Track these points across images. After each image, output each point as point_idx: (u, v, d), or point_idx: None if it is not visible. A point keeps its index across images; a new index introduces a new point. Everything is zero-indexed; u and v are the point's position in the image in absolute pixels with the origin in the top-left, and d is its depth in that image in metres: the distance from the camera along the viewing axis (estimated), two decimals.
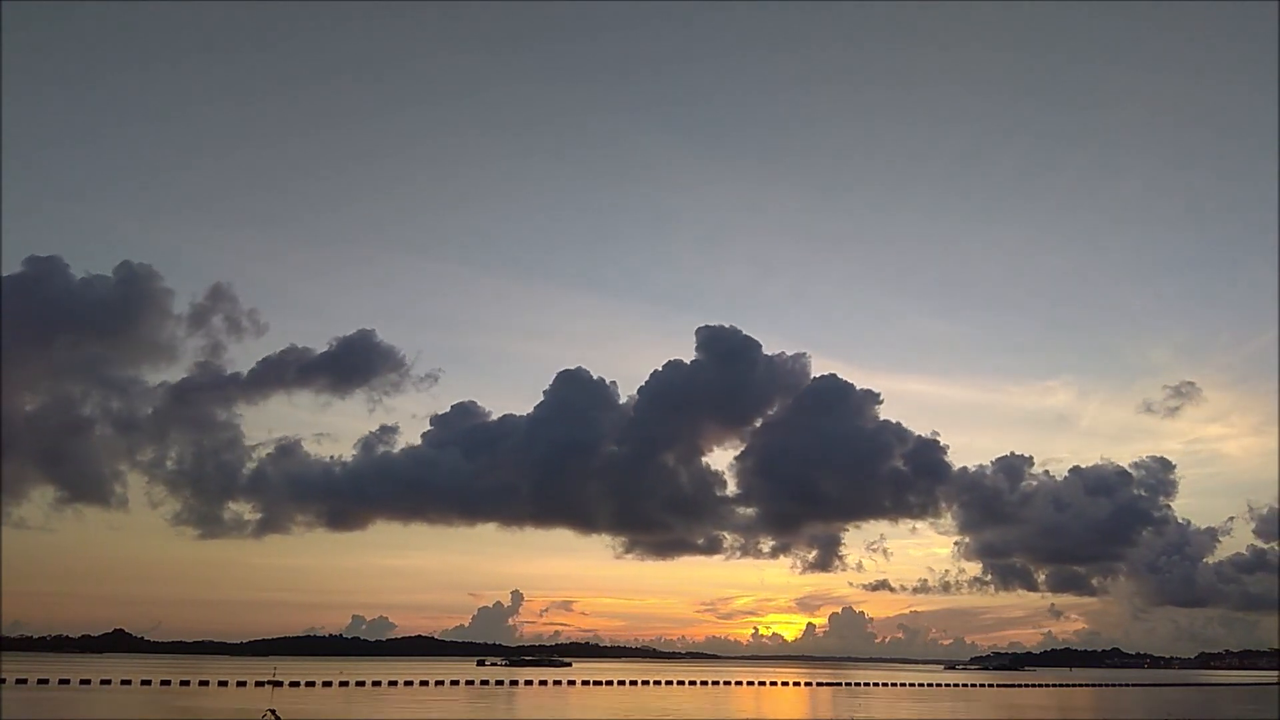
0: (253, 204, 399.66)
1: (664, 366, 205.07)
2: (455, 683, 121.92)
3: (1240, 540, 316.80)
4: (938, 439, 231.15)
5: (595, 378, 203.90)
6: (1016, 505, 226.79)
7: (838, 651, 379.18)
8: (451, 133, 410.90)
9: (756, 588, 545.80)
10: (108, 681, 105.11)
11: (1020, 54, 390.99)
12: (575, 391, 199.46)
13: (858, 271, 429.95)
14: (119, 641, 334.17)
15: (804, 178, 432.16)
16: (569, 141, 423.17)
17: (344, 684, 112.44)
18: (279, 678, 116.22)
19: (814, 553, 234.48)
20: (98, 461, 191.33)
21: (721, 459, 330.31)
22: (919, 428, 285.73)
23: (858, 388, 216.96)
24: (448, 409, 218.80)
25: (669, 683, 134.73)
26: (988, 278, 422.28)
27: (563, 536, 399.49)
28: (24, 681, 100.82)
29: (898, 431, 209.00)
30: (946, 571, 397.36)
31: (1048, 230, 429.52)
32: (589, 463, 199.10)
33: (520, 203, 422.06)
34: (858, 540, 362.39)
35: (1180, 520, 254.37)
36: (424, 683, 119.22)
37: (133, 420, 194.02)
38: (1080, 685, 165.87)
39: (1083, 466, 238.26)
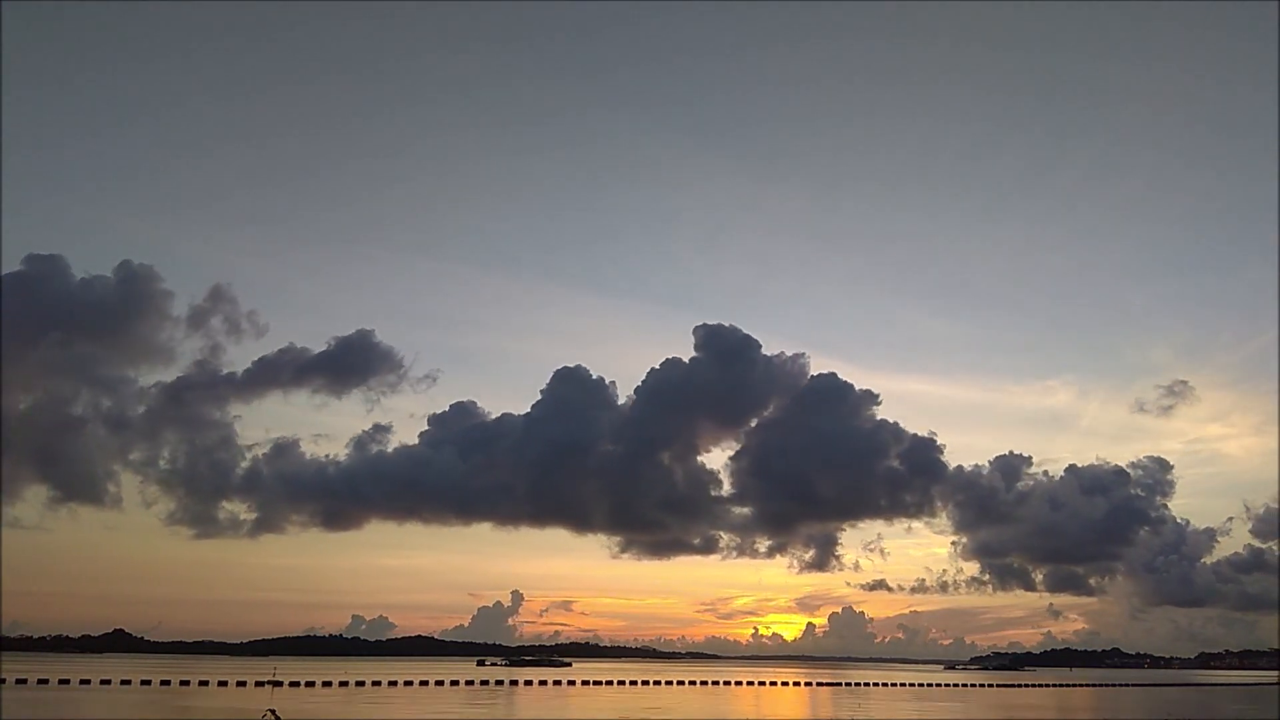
0: (253, 202, 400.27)
1: (661, 365, 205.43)
2: (455, 683, 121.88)
3: (1239, 540, 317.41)
4: (934, 438, 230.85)
5: (593, 376, 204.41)
6: (1012, 505, 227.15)
7: (838, 651, 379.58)
8: (452, 132, 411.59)
9: (756, 588, 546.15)
10: (108, 681, 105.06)
11: (1020, 54, 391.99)
12: (572, 390, 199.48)
13: (858, 270, 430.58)
14: (119, 641, 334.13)
15: (804, 176, 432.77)
16: (569, 140, 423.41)
17: (344, 684, 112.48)
18: (279, 678, 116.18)
19: (811, 552, 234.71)
20: (93, 461, 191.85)
21: (718, 458, 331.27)
22: (919, 427, 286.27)
23: (857, 387, 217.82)
24: (446, 408, 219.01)
25: (669, 683, 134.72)
26: (988, 277, 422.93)
27: (562, 536, 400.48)
28: (24, 681, 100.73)
29: (893, 431, 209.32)
30: (944, 571, 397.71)
31: (1048, 230, 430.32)
32: (585, 462, 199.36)
33: (521, 202, 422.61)
34: (855, 540, 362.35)
35: (1180, 520, 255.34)
36: (424, 683, 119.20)
37: (129, 420, 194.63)
38: (1080, 685, 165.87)
39: (1079, 466, 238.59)
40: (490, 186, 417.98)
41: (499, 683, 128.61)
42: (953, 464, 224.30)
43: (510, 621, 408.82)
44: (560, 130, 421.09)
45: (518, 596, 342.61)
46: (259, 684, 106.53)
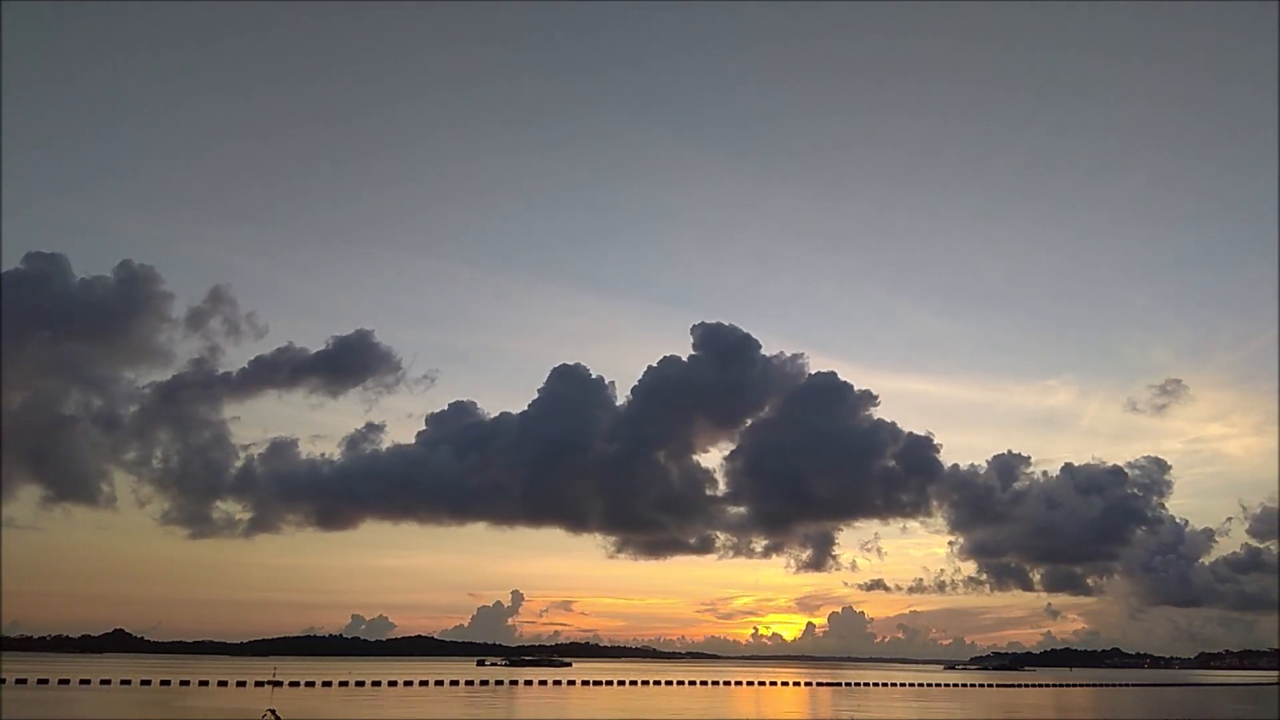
0: (253, 201, 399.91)
1: (659, 363, 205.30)
2: (455, 683, 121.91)
3: (1238, 540, 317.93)
4: (930, 437, 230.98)
5: (589, 374, 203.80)
6: (1008, 504, 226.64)
7: (837, 651, 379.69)
8: (451, 131, 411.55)
9: (756, 588, 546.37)
10: (108, 681, 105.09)
11: (1020, 54, 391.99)
12: (570, 389, 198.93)
13: (859, 269, 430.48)
14: (119, 641, 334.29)
15: (804, 175, 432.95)
16: (569, 139, 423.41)
17: (344, 684, 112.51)
18: (279, 678, 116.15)
19: (808, 552, 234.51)
20: (88, 460, 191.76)
21: (715, 457, 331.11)
22: (918, 427, 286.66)
23: (856, 386, 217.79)
24: (445, 407, 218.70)
25: (669, 683, 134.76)
26: (989, 276, 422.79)
27: (560, 536, 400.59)
28: (24, 681, 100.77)
29: (890, 430, 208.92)
30: (942, 571, 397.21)
31: (1048, 229, 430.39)
32: (581, 461, 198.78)
33: (520, 201, 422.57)
34: (852, 540, 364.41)
35: (1179, 520, 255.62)
36: (424, 683, 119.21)
37: (124, 419, 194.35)
38: (1079, 685, 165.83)
39: (1075, 465, 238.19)
40: (490, 185, 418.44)
41: (499, 683, 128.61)
42: (950, 463, 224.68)
43: (510, 621, 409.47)
44: (559, 129, 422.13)
45: (517, 596, 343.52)
46: (259, 684, 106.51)
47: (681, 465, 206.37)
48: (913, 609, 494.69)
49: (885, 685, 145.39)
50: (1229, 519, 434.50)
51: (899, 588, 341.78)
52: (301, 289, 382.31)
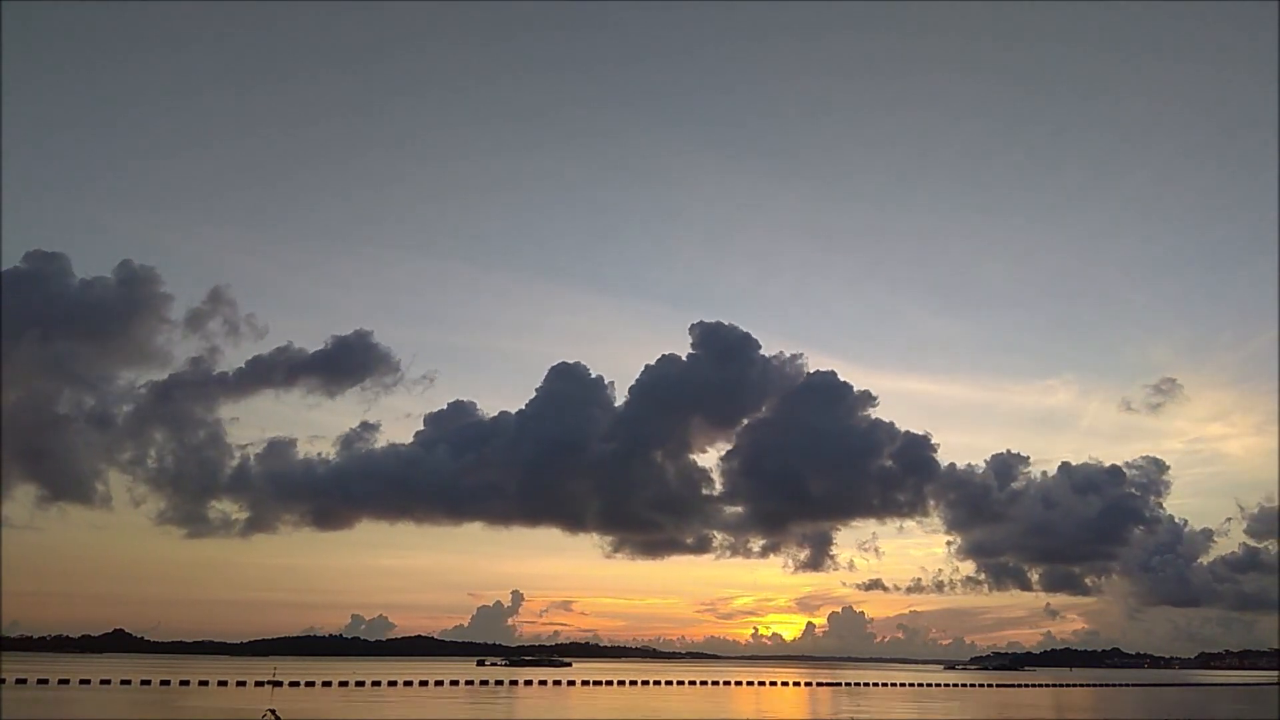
0: (253, 201, 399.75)
1: (657, 361, 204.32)
2: (455, 683, 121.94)
3: (1237, 540, 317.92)
4: (928, 437, 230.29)
5: (589, 373, 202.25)
6: (1004, 504, 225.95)
7: (837, 651, 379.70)
8: (450, 129, 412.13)
9: (756, 588, 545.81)
10: (108, 681, 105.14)
11: (1020, 53, 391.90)
12: (567, 387, 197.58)
13: (859, 269, 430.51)
14: (119, 641, 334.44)
15: (805, 174, 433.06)
16: (568, 138, 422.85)
17: (344, 684, 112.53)
18: (279, 678, 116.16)
19: (805, 552, 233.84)
20: (84, 460, 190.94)
21: (712, 456, 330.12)
22: (919, 427, 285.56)
23: (855, 386, 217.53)
24: (444, 406, 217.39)
25: (669, 683, 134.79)
26: (989, 276, 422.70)
27: (557, 536, 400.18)
28: (24, 681, 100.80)
29: (887, 429, 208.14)
30: (940, 571, 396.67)
31: (1048, 229, 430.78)
32: (577, 460, 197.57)
33: (521, 200, 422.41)
34: (849, 539, 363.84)
35: (1178, 520, 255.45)
36: (424, 683, 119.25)
37: (123, 419, 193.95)
38: (1079, 685, 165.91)
39: (1072, 464, 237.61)
40: (490, 185, 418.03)
41: (499, 683, 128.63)
42: (946, 463, 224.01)
43: (510, 621, 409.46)
44: (559, 128, 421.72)
45: (517, 596, 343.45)
46: (259, 684, 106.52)
47: (678, 464, 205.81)
48: (912, 609, 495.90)
49: (885, 685, 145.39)
50: (1228, 519, 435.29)
51: (897, 587, 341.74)
52: (301, 289, 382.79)
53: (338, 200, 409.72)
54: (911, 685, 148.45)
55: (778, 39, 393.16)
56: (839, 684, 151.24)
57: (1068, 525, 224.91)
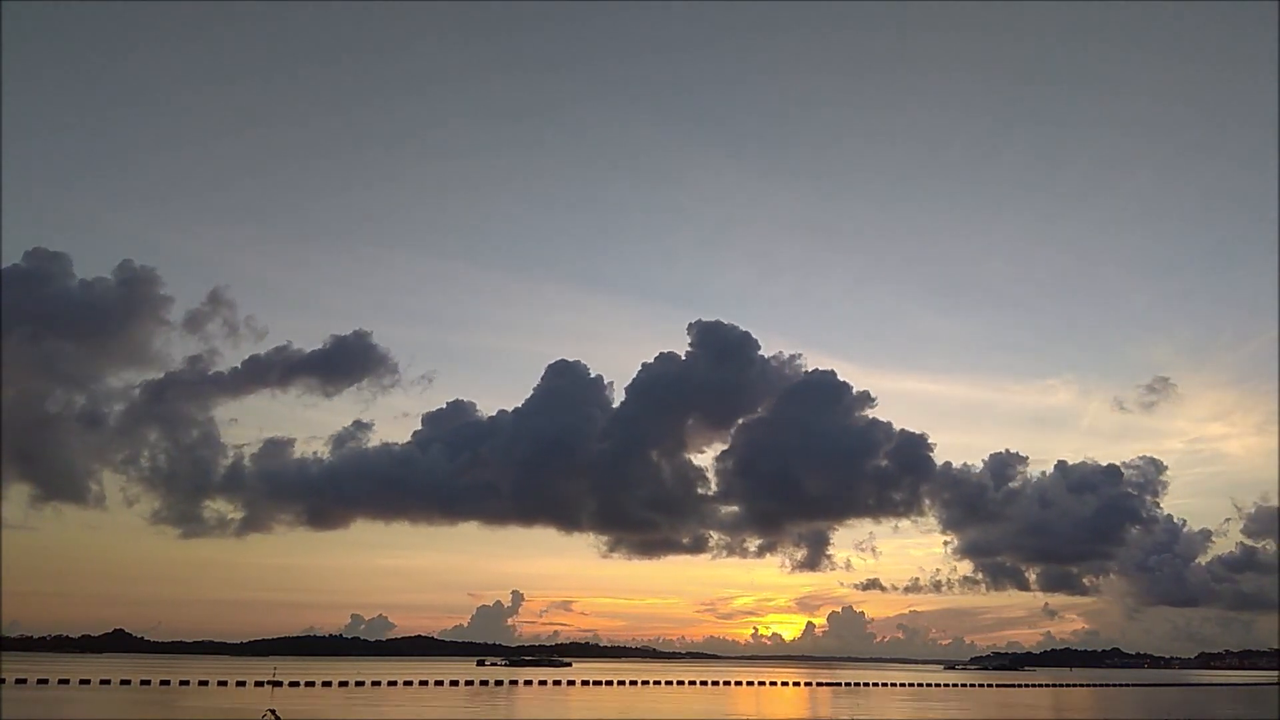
0: (252, 200, 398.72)
1: (655, 360, 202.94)
2: (455, 683, 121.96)
3: (1234, 540, 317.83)
4: (925, 436, 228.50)
5: (587, 371, 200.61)
6: (1001, 503, 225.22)
7: (837, 651, 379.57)
8: (451, 128, 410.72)
9: (756, 588, 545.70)
10: (108, 681, 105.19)
11: (1020, 52, 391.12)
12: (565, 386, 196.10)
13: (859, 268, 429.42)
14: (119, 641, 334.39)
15: (805, 173, 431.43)
16: (567, 136, 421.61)
17: (344, 684, 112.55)
18: (279, 678, 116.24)
19: (802, 552, 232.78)
20: (79, 459, 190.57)
21: (709, 456, 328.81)
22: (918, 427, 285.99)
23: (854, 385, 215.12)
24: (443, 406, 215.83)
25: (669, 683, 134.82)
26: (989, 275, 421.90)
27: (553, 535, 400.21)
28: (24, 681, 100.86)
29: (883, 429, 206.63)
30: (938, 570, 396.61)
31: (1049, 228, 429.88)
32: (574, 459, 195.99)
33: (519, 198, 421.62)
34: (846, 539, 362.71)
35: (1177, 520, 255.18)
36: (424, 683, 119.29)
37: (118, 419, 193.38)
38: (1079, 685, 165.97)
39: (1069, 464, 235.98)
40: (488, 184, 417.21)
41: (499, 683, 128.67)
42: (942, 462, 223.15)
43: (510, 621, 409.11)
44: (558, 126, 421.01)
45: (517, 596, 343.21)
46: (258, 684, 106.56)
47: (675, 464, 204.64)
48: (912, 609, 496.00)
49: (885, 685, 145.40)
50: (1227, 519, 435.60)
51: (895, 587, 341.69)
52: (300, 288, 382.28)
53: (337, 200, 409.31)
54: (911, 685, 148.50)
55: (776, 37, 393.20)
56: (839, 684, 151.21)
57: (1064, 525, 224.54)
